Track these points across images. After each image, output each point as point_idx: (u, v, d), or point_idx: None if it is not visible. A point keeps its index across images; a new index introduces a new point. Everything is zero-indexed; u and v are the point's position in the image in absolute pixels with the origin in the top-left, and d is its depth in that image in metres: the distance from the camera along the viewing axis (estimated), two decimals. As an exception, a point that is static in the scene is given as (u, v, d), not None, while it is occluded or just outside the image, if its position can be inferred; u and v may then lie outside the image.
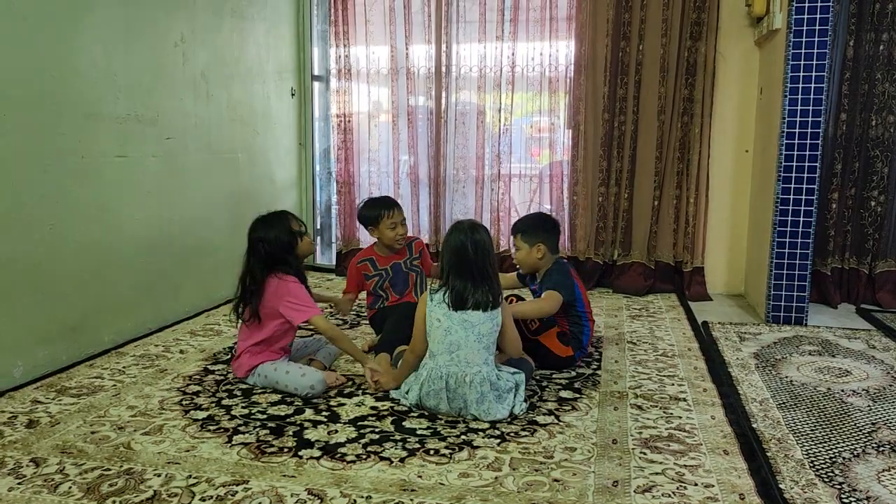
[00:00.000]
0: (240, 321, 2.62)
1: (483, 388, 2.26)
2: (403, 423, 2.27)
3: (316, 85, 4.83)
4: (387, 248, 3.07)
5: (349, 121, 4.73)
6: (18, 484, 1.87)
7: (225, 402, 2.46)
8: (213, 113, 3.75)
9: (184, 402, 2.45)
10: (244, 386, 2.61)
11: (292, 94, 4.64)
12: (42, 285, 2.71)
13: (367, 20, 4.60)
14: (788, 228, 3.48)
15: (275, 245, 2.55)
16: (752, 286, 4.05)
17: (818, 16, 3.31)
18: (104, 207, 3.01)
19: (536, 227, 2.87)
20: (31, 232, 2.65)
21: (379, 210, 2.99)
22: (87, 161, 2.90)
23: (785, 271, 3.51)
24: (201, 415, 2.34)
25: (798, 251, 3.48)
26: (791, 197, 3.45)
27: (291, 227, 2.62)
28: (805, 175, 3.43)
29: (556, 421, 2.30)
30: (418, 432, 2.20)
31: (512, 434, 2.19)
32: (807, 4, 3.32)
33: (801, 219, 3.46)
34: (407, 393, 2.41)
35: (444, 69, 4.51)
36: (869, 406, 2.45)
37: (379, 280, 3.08)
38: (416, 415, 2.33)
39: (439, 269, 2.43)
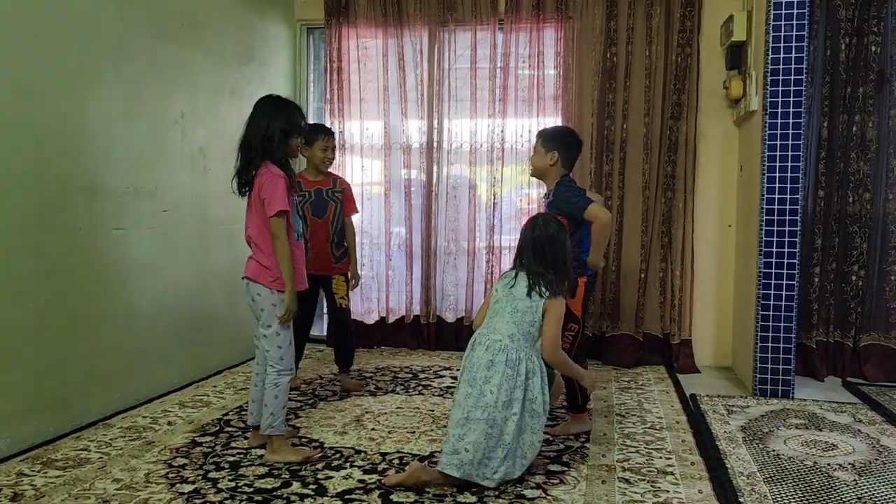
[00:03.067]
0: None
1: (497, 358, 2.34)
2: (391, 497, 2.26)
3: (311, 159, 4.95)
4: (314, 171, 3.48)
5: (343, 194, 4.83)
6: (0, 559, 1.85)
7: (212, 474, 2.44)
8: (210, 186, 3.84)
9: (170, 476, 2.43)
10: (231, 458, 2.60)
11: (288, 168, 4.75)
12: (33, 356, 2.73)
13: (362, 98, 4.76)
14: (772, 302, 3.55)
15: (274, 127, 2.57)
16: (739, 358, 4.08)
17: (791, 99, 3.48)
18: (99, 279, 3.06)
19: (557, 136, 3.01)
20: (25, 303, 2.69)
21: (317, 132, 3.41)
22: (84, 234, 2.97)
23: (770, 344, 3.55)
24: (187, 488, 2.32)
25: (782, 324, 3.54)
26: (773, 271, 3.54)
27: (297, 121, 2.66)
28: (786, 250, 3.53)
29: (543, 494, 2.30)
30: (405, 506, 2.20)
31: (499, 508, 2.19)
32: (780, 88, 3.49)
33: (784, 292, 3.53)
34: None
35: (435, 144, 4.65)
36: (855, 480, 2.46)
37: (301, 201, 3.39)
38: (403, 489, 2.33)
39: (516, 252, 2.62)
